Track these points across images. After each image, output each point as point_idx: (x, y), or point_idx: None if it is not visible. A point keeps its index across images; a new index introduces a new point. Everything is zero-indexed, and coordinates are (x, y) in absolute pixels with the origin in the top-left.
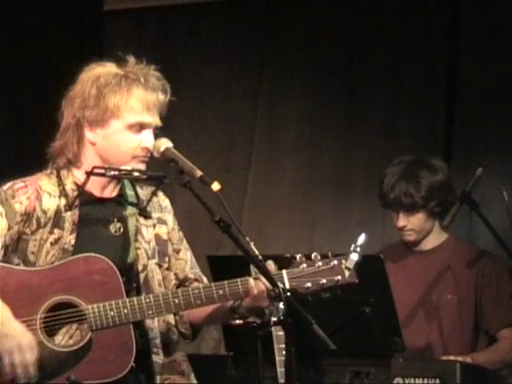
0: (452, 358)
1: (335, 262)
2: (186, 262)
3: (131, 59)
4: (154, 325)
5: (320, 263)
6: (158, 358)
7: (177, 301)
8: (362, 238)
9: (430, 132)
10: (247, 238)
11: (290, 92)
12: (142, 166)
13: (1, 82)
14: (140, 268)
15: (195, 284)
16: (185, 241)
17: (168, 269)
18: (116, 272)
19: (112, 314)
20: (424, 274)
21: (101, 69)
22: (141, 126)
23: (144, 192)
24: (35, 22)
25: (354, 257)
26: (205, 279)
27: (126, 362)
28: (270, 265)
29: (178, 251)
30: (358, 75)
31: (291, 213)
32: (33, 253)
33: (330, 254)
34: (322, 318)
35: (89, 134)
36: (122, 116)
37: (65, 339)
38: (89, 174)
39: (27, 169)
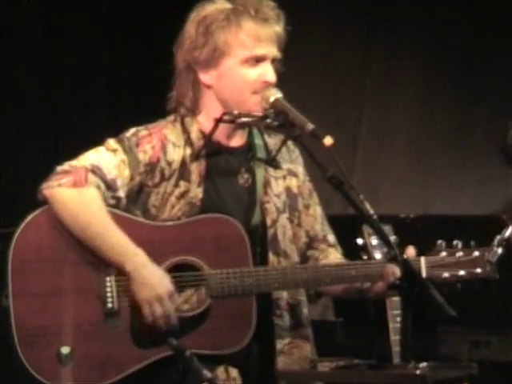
0: None
1: (477, 253)
2: (316, 218)
3: None
4: None
5: (461, 253)
6: (281, 321)
7: (305, 276)
8: (509, 231)
9: None
10: (361, 196)
11: (405, 45)
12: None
13: (107, 35)
14: (268, 223)
15: (323, 245)
16: (315, 194)
17: (298, 225)
18: (245, 238)
19: (235, 282)
20: None
21: (209, 6)
22: (256, 60)
23: (272, 141)
24: None
25: (499, 251)
26: (331, 238)
27: (243, 336)
28: (410, 249)
29: (307, 207)
30: (475, 29)
31: (405, 170)
32: (155, 206)
33: (472, 243)
34: (440, 282)
35: (203, 77)
36: (233, 53)
37: (181, 303)
38: (218, 120)
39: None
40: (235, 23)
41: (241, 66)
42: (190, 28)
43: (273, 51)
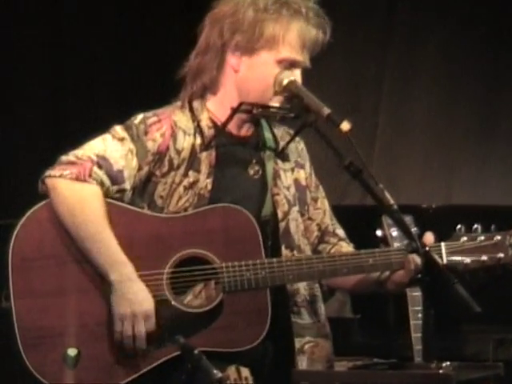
0: None
1: (499, 237)
2: (325, 211)
3: None
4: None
5: (482, 237)
6: (299, 319)
7: (321, 267)
8: None
9: None
10: (381, 185)
11: (427, 31)
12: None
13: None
14: (280, 216)
15: (334, 239)
16: (321, 188)
17: (309, 218)
18: (256, 228)
19: (248, 275)
20: None
21: None
22: (292, 64)
23: (278, 133)
24: None
25: None
26: (340, 232)
27: (258, 333)
28: (429, 236)
29: (315, 200)
30: (500, 18)
31: (426, 159)
32: (161, 197)
33: (493, 227)
34: (464, 277)
35: (232, 60)
36: (276, 48)
37: (192, 299)
38: (235, 110)
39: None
40: (287, 20)
41: (276, 64)
42: (237, 7)
43: (307, 60)
